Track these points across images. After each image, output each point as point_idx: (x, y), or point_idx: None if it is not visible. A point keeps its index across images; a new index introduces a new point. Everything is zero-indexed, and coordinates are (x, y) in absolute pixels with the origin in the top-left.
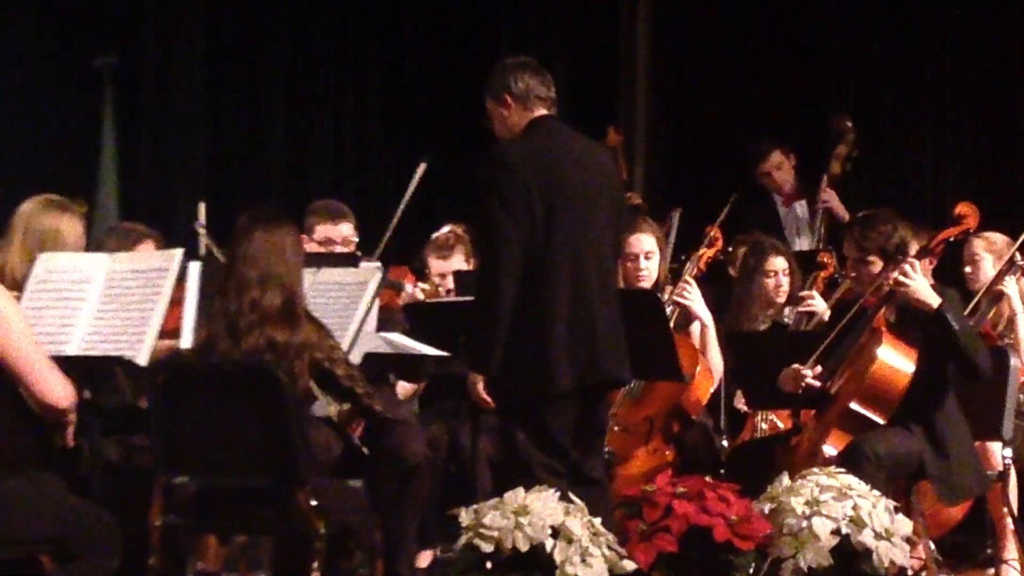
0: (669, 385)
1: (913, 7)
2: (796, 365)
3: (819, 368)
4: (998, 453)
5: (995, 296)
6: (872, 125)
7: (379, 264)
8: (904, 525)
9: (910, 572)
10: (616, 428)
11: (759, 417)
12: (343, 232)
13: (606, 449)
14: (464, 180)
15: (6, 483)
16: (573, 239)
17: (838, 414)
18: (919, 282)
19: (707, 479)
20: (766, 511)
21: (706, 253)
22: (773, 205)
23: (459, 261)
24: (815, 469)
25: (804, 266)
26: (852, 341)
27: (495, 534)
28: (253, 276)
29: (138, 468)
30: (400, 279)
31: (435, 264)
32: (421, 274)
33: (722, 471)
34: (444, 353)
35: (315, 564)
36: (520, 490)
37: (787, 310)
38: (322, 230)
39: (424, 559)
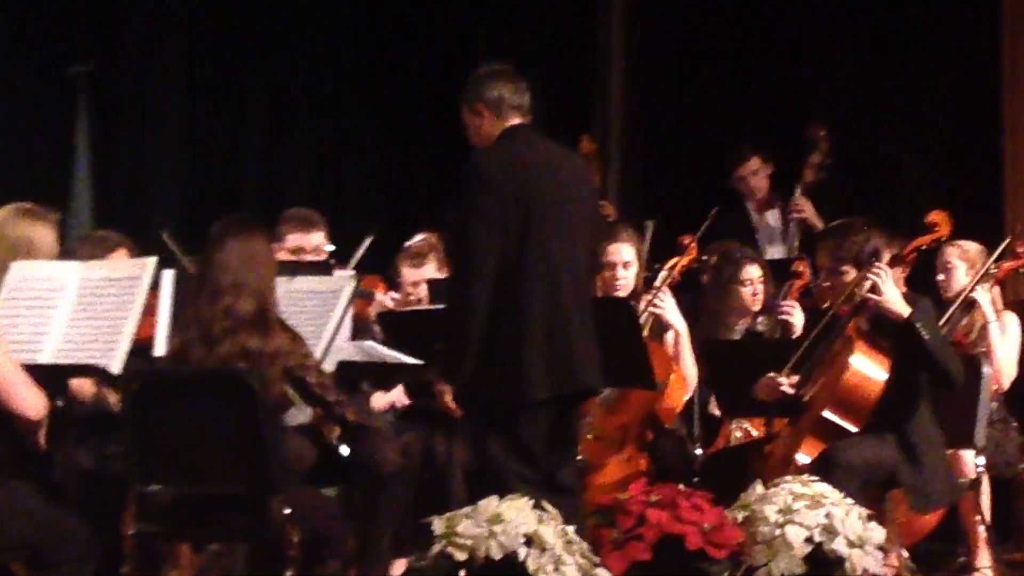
0: (643, 393)
1: (887, 17)
2: (772, 373)
3: (796, 377)
4: (971, 461)
5: (968, 304)
6: (845, 134)
7: (353, 273)
8: (877, 533)
9: None
10: (589, 436)
11: (733, 425)
12: (314, 241)
13: (579, 457)
14: (439, 190)
15: None
16: (548, 249)
17: (811, 422)
18: (890, 291)
19: (680, 487)
20: (739, 519)
21: (680, 262)
22: (746, 214)
23: (432, 269)
24: (788, 477)
25: (777, 275)
26: (825, 349)
27: (469, 542)
28: (226, 283)
29: (112, 476)
30: (372, 289)
31: (408, 273)
32: (394, 283)
33: (695, 479)
34: (418, 361)
35: (289, 572)
36: (494, 498)
37: (761, 318)
38: (293, 239)
39: (398, 567)
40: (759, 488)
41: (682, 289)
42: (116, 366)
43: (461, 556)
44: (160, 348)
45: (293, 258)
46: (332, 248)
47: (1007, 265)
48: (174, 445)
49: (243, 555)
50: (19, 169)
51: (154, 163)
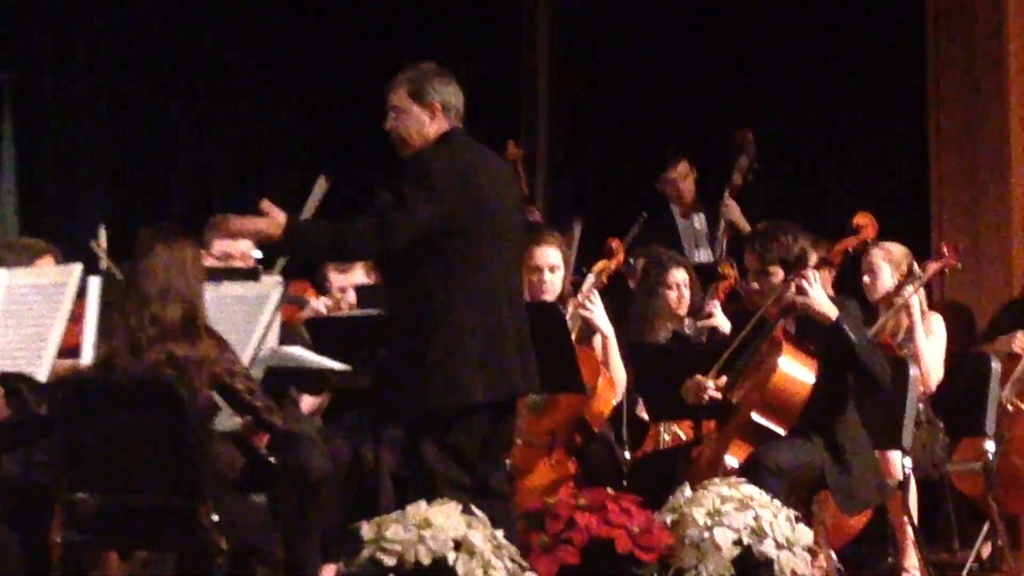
0: (571, 397)
1: (810, 22)
2: (698, 376)
3: (723, 379)
4: (898, 462)
5: (894, 306)
6: (771, 138)
7: (280, 278)
8: (805, 535)
9: None
10: (518, 441)
11: (661, 428)
12: (241, 247)
13: (507, 462)
14: (366, 194)
15: None
16: (487, 254)
17: (739, 425)
18: (817, 293)
19: (609, 491)
20: (668, 522)
21: (607, 266)
22: (671, 218)
23: (360, 275)
24: (716, 480)
25: (704, 278)
26: (753, 352)
27: (398, 547)
28: (153, 291)
29: (38, 484)
30: (301, 294)
31: (335, 278)
32: (322, 288)
33: (624, 483)
34: (346, 367)
35: None
36: (422, 503)
37: (687, 321)
38: (220, 244)
39: (327, 573)
40: (687, 491)
41: (609, 293)
42: (43, 374)
43: (390, 561)
44: (87, 356)
45: (220, 264)
46: (260, 255)
47: (933, 267)
48: (101, 453)
49: (171, 564)
50: None
51: (79, 171)
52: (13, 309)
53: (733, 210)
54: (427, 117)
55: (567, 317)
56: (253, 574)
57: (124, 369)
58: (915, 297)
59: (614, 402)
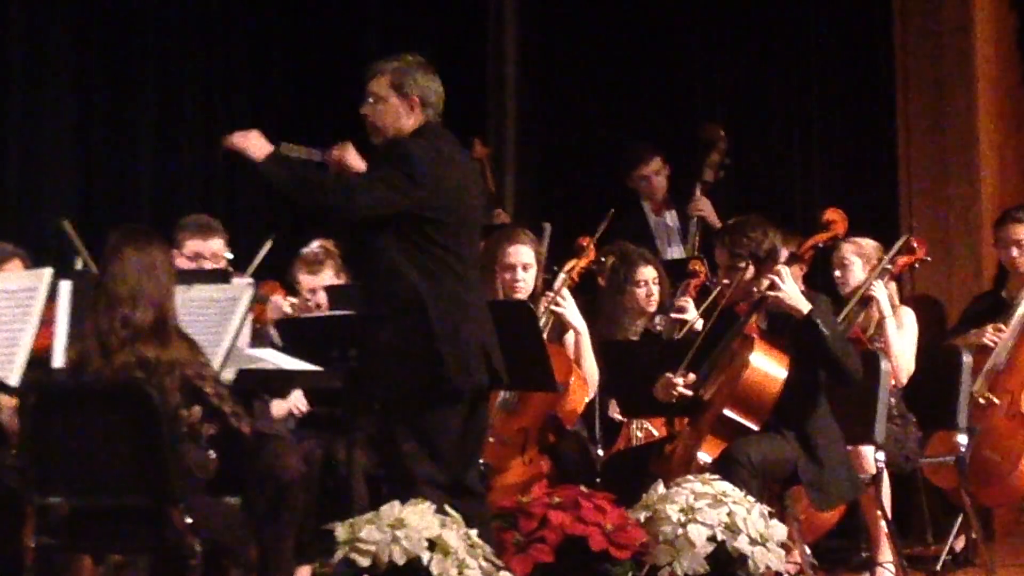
0: (544, 396)
1: (780, 18)
2: (668, 374)
3: (692, 376)
4: (870, 457)
5: (865, 300)
6: (742, 133)
7: (251, 280)
8: (779, 530)
9: None
10: (491, 439)
11: (634, 426)
12: (213, 248)
13: (480, 461)
14: None
15: None
16: (459, 243)
17: (712, 421)
18: (789, 288)
19: (583, 489)
20: (642, 519)
21: (579, 264)
22: (643, 214)
23: (329, 276)
24: (690, 476)
25: (676, 275)
26: (724, 348)
27: (372, 548)
28: (124, 293)
29: (9, 489)
30: (270, 294)
31: (305, 280)
32: (292, 290)
33: (598, 480)
34: (316, 368)
35: None
36: (396, 503)
37: (658, 318)
38: (192, 245)
39: (302, 574)
40: (661, 488)
41: (580, 291)
42: (14, 379)
43: (364, 562)
44: (58, 359)
45: (192, 265)
46: (231, 256)
47: (903, 260)
48: (72, 456)
49: (144, 566)
50: None
51: (45, 172)
52: None
53: (704, 205)
54: (405, 110)
55: (539, 315)
56: None
57: (95, 372)
58: (884, 291)
59: (586, 400)
